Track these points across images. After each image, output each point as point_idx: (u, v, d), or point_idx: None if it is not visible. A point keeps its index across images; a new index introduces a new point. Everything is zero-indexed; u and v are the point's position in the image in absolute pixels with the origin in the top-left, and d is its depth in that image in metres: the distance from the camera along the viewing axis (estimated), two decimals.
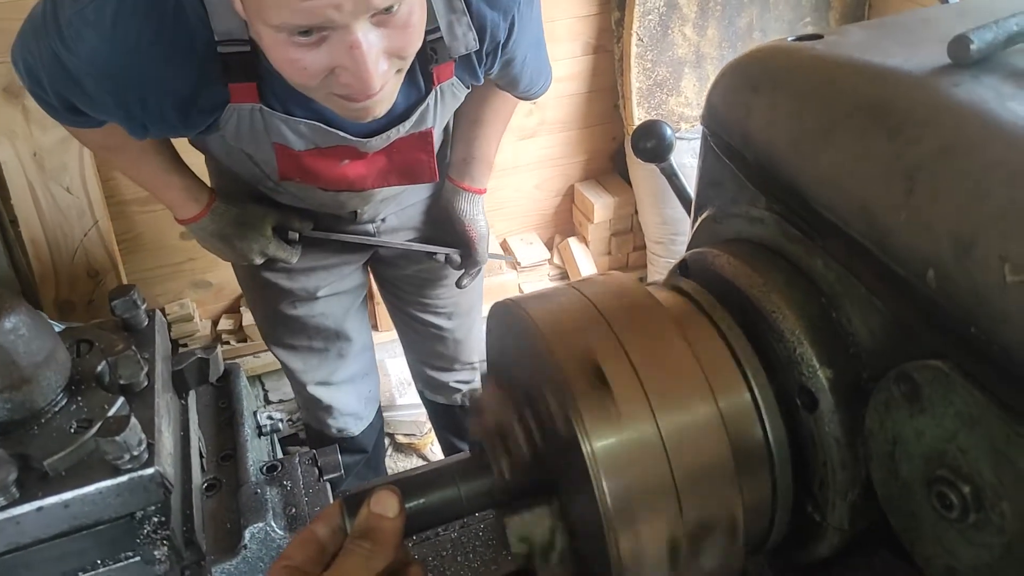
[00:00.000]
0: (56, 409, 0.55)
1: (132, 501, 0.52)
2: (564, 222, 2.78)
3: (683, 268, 0.65)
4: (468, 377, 1.79)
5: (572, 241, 2.70)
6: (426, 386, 1.84)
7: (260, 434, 0.90)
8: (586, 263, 2.64)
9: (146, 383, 0.60)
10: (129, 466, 0.52)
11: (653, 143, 0.84)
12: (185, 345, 2.23)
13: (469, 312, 1.71)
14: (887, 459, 0.49)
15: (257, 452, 0.84)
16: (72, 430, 0.53)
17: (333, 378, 1.67)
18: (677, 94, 2.42)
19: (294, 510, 0.77)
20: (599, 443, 0.46)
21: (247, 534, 0.72)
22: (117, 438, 0.50)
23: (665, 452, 0.47)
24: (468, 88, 1.15)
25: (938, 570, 0.47)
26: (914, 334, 0.47)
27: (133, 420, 0.52)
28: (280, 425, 0.98)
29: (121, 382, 0.58)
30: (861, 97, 0.53)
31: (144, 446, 0.52)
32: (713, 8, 2.34)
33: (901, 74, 0.52)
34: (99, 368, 0.58)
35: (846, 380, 0.51)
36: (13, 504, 0.50)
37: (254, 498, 0.75)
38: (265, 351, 2.33)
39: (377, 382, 1.83)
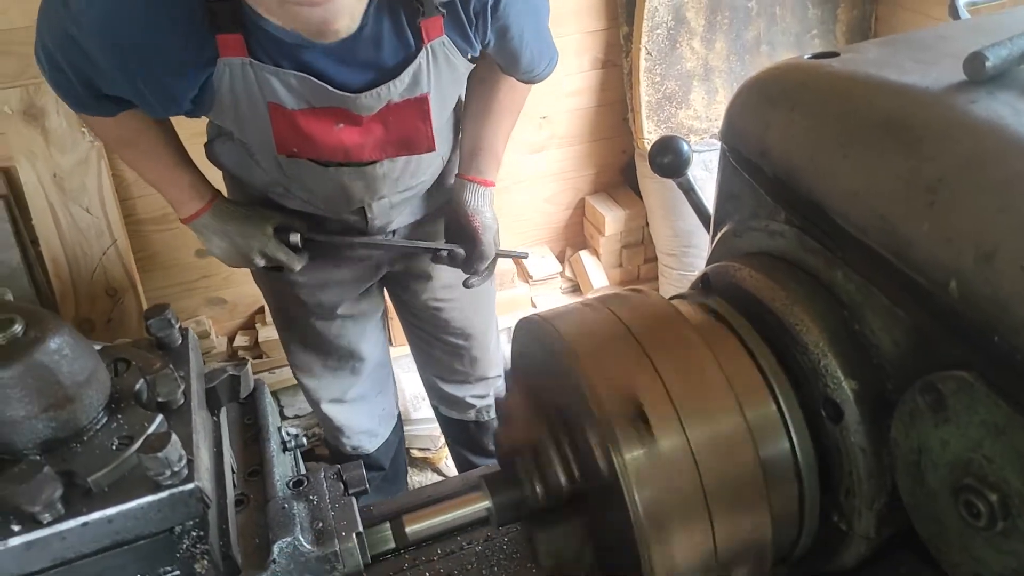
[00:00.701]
0: (98, 427, 0.56)
1: (172, 516, 0.53)
2: (575, 235, 2.79)
3: (705, 282, 0.66)
4: (483, 391, 1.79)
5: (584, 254, 2.71)
6: (441, 401, 1.84)
7: (285, 449, 0.91)
8: (598, 275, 2.65)
9: (183, 400, 0.61)
10: (170, 482, 0.53)
11: (670, 158, 0.86)
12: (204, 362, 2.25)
13: (486, 331, 1.71)
14: (913, 468, 0.49)
15: (283, 467, 0.85)
16: (114, 447, 0.54)
17: (346, 396, 1.67)
18: (686, 107, 2.44)
19: (321, 524, 0.78)
20: (628, 455, 0.47)
21: (276, 549, 0.73)
22: (159, 454, 0.52)
23: (698, 472, 0.48)
24: (466, 57, 1.14)
25: None
26: (937, 344, 0.48)
27: (174, 437, 0.53)
28: (303, 440, 0.99)
29: (159, 400, 0.59)
30: (878, 113, 0.54)
31: (184, 462, 0.54)
32: (720, 22, 2.36)
33: (918, 90, 0.53)
34: (137, 386, 0.59)
35: (871, 391, 0.52)
36: (59, 520, 0.51)
37: (282, 513, 0.76)
38: (281, 367, 2.35)
39: (394, 399, 1.83)
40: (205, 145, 1.37)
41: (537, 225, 2.77)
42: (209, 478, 0.59)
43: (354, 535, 0.78)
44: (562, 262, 2.78)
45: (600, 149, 2.67)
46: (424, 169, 1.31)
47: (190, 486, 0.54)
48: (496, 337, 1.75)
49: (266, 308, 2.34)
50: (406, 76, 1.07)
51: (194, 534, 0.54)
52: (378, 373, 1.72)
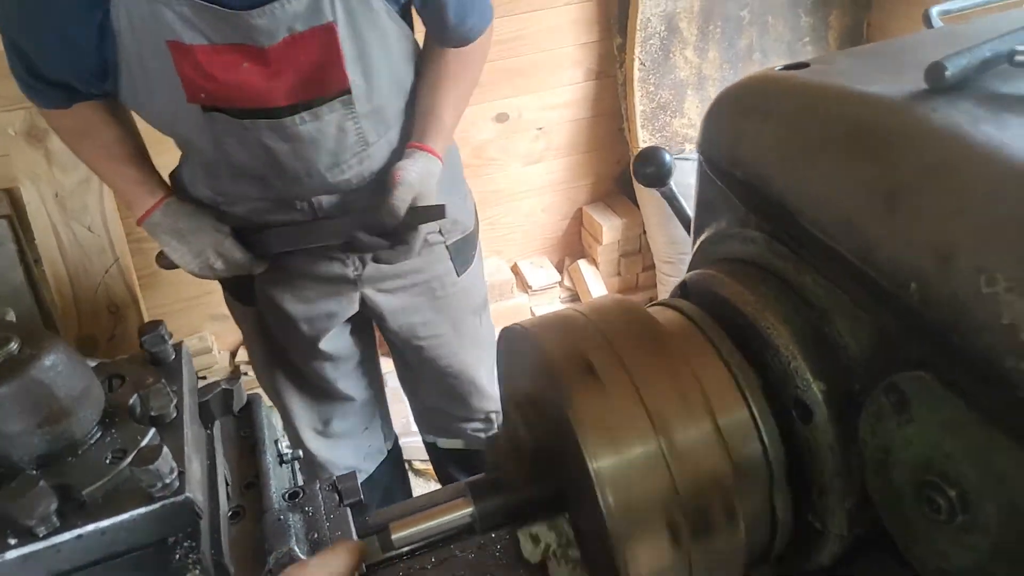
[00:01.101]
0: (92, 441, 0.58)
1: (165, 527, 0.55)
2: (573, 244, 2.82)
3: (683, 289, 0.67)
4: (478, 427, 1.71)
5: (582, 263, 2.73)
6: (429, 431, 1.76)
7: (281, 462, 0.93)
8: (596, 284, 2.67)
9: (175, 414, 0.63)
10: (162, 494, 0.55)
11: (653, 169, 0.87)
12: (204, 377, 2.27)
13: (477, 367, 1.62)
14: (880, 467, 0.51)
15: (279, 480, 0.87)
16: (108, 461, 0.56)
17: (329, 429, 1.62)
18: (681, 116, 2.46)
19: (316, 535, 0.80)
20: (601, 462, 0.48)
21: (271, 559, 0.74)
22: (151, 467, 0.53)
23: (668, 466, 0.50)
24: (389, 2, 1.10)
25: (932, 573, 0.49)
26: (900, 345, 0.50)
27: (165, 449, 0.55)
28: (300, 453, 1.00)
29: (152, 414, 0.61)
30: (844, 121, 0.56)
31: (175, 474, 0.55)
32: (713, 31, 2.39)
33: (882, 99, 0.55)
34: (131, 401, 0.61)
35: (839, 391, 0.53)
36: (54, 533, 0.53)
37: (277, 524, 0.78)
38: None
39: (383, 436, 1.76)
40: (170, 176, 1.36)
41: (535, 236, 2.79)
42: (201, 490, 0.61)
43: None
44: (561, 272, 2.80)
45: (596, 159, 2.70)
46: (370, 154, 1.24)
47: (181, 497, 0.55)
48: (491, 372, 1.66)
49: None
50: None
51: (186, 544, 0.55)
52: (366, 411, 1.68)
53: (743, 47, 2.44)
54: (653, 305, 0.67)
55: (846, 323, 0.54)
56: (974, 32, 0.70)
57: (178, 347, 0.72)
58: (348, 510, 0.84)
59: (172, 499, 0.55)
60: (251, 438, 0.90)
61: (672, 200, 0.91)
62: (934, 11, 0.82)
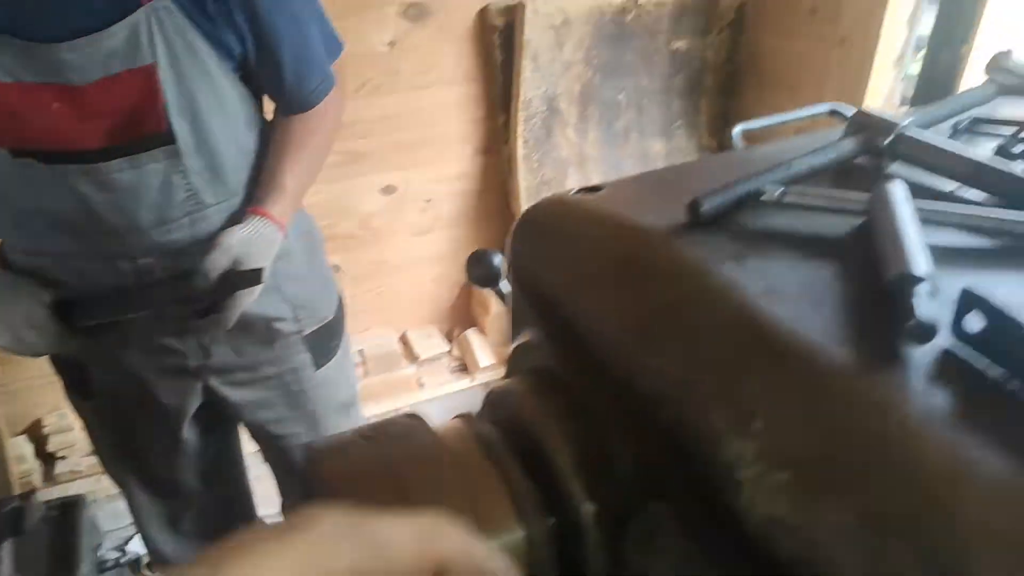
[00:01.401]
0: None
1: None
2: (462, 314, 2.84)
3: (485, 400, 0.69)
4: None
5: (471, 332, 2.75)
6: None
7: (101, 571, 0.88)
8: (485, 353, 2.69)
9: None
10: None
11: (482, 271, 0.90)
12: (64, 457, 2.14)
13: None
14: None
15: None
16: None
17: (180, 527, 1.52)
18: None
19: None
20: None
21: None
22: None
23: None
24: (203, 36, 1.05)
25: None
26: (658, 471, 0.52)
27: None
28: (137, 554, 0.96)
29: None
30: (615, 251, 0.60)
31: None
32: (591, 113, 2.50)
33: (646, 232, 0.59)
34: None
35: (611, 512, 0.56)
36: None
37: None
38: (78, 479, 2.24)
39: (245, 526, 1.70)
40: None
41: (423, 306, 2.80)
42: None
43: None
44: (450, 341, 2.81)
45: (484, 230, 2.75)
46: (205, 215, 1.18)
47: None
48: None
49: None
50: (119, 30, 1.00)
51: None
52: (221, 506, 1.58)
53: (620, 128, 2.56)
54: (458, 417, 0.69)
55: (620, 446, 0.56)
56: (760, 158, 0.77)
57: None
58: None
59: None
60: (67, 546, 0.86)
61: (504, 298, 0.93)
62: (736, 131, 0.89)
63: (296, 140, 1.25)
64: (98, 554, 0.88)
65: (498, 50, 2.37)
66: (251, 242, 1.17)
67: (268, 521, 1.72)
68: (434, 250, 2.69)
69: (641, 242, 0.58)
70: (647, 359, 0.52)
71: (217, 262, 1.14)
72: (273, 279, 1.26)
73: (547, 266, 0.65)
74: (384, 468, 0.56)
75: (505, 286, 0.94)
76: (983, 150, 0.69)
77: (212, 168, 1.16)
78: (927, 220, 0.54)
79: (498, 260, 0.91)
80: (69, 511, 0.86)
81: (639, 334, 0.53)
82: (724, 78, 2.61)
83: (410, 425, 0.61)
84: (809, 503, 0.40)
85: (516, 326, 0.76)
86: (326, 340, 1.42)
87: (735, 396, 0.46)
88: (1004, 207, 0.57)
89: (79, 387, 1.36)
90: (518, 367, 0.73)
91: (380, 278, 2.62)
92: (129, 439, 1.41)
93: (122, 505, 1.48)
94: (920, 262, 0.47)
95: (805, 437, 0.42)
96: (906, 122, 0.67)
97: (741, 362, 0.48)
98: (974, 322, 0.43)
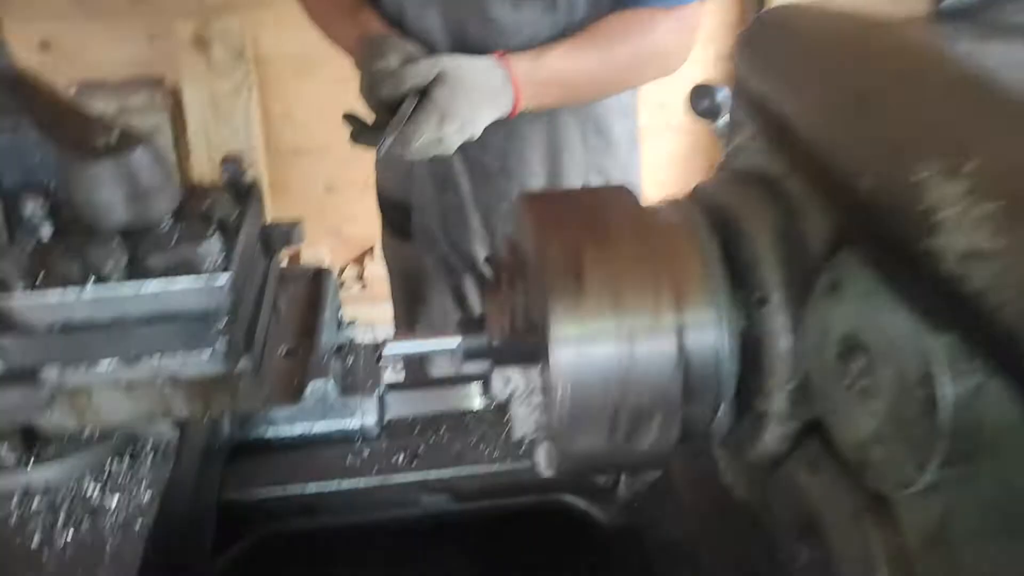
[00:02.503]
0: (164, 228, 0.73)
1: (206, 299, 0.67)
2: None
3: (694, 192, 0.73)
4: None
5: None
6: None
7: (339, 327, 1.05)
8: None
9: (237, 224, 0.76)
10: (208, 269, 0.68)
11: (707, 104, 0.92)
12: None
13: None
14: (818, 349, 0.55)
15: (331, 336, 0.99)
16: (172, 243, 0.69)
17: None
18: None
19: (351, 379, 0.93)
20: (563, 358, 0.55)
21: (308, 389, 0.87)
22: (200, 248, 0.66)
23: (617, 339, 0.56)
24: None
25: (847, 446, 0.53)
26: (854, 239, 0.54)
27: (217, 234, 0.69)
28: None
29: (217, 216, 0.74)
30: (843, 39, 0.59)
31: (223, 256, 0.69)
32: None
33: (880, 21, 0.58)
34: (203, 207, 0.75)
35: (797, 281, 0.58)
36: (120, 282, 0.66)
37: (321, 365, 0.90)
38: (384, 302, 2.55)
39: None
40: None
41: None
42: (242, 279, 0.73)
43: (376, 393, 0.92)
44: None
45: None
46: None
47: (225, 274, 0.68)
48: None
49: (376, 246, 2.54)
50: None
51: (226, 320, 0.68)
52: None
53: None
54: (664, 201, 0.73)
55: (813, 223, 0.58)
56: None
57: (251, 183, 0.85)
58: (381, 368, 0.96)
59: (216, 273, 0.67)
60: (316, 295, 1.03)
61: (722, 137, 0.94)
62: None
63: (600, 32, 1.20)
64: (338, 314, 1.05)
65: None
66: (464, 68, 1.09)
67: None
68: None
69: (875, 30, 0.58)
70: (860, 129, 0.53)
71: (418, 72, 1.08)
72: None
73: (768, 64, 0.66)
74: (593, 218, 0.62)
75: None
76: None
77: None
78: None
79: (722, 94, 0.92)
80: (318, 275, 1.04)
81: (856, 106, 0.54)
82: None
83: (622, 190, 0.67)
84: (1015, 226, 0.40)
85: (729, 136, 0.78)
86: None
87: (948, 145, 0.46)
88: None
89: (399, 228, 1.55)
90: (724, 168, 0.76)
91: None
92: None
93: None
94: None
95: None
96: None
97: (963, 119, 0.47)
98: None
